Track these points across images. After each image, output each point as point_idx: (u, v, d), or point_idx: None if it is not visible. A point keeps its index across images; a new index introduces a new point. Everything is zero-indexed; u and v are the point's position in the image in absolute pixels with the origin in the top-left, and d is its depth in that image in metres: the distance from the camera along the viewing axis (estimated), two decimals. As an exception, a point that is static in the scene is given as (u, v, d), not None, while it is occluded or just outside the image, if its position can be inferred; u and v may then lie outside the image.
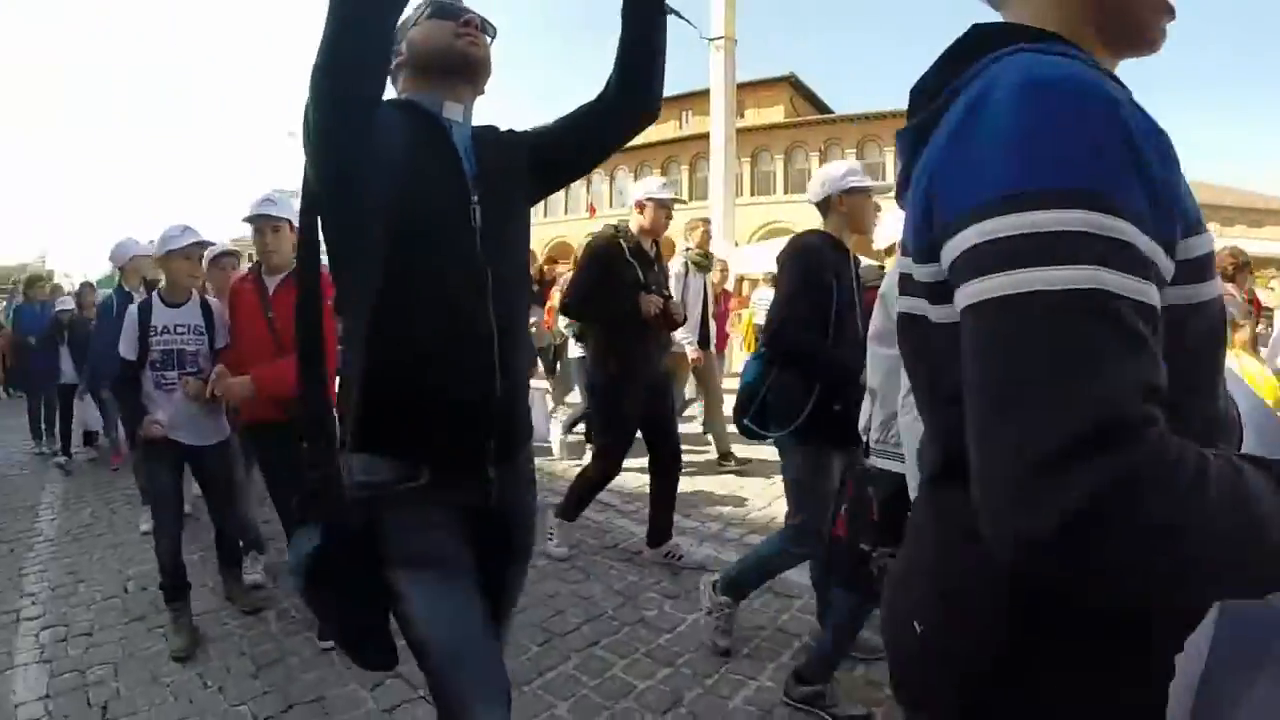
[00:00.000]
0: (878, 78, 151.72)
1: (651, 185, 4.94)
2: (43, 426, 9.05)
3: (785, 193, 33.65)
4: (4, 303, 17.27)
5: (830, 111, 39.28)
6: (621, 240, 4.69)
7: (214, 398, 3.84)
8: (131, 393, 4.00)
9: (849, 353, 3.11)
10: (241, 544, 4.44)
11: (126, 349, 3.97)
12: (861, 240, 3.61)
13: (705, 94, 27.37)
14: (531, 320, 8.27)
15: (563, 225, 42.93)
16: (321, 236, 1.67)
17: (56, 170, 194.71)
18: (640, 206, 4.83)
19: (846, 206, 3.48)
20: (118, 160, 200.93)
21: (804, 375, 3.23)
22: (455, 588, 1.67)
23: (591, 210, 39.85)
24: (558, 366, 9.35)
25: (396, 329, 1.61)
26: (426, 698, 3.17)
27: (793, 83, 38.54)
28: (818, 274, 3.23)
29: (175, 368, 3.96)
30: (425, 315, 1.63)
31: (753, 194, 33.21)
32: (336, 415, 1.67)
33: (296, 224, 2.74)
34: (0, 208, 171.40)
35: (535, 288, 9.28)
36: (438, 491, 1.65)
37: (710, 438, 7.53)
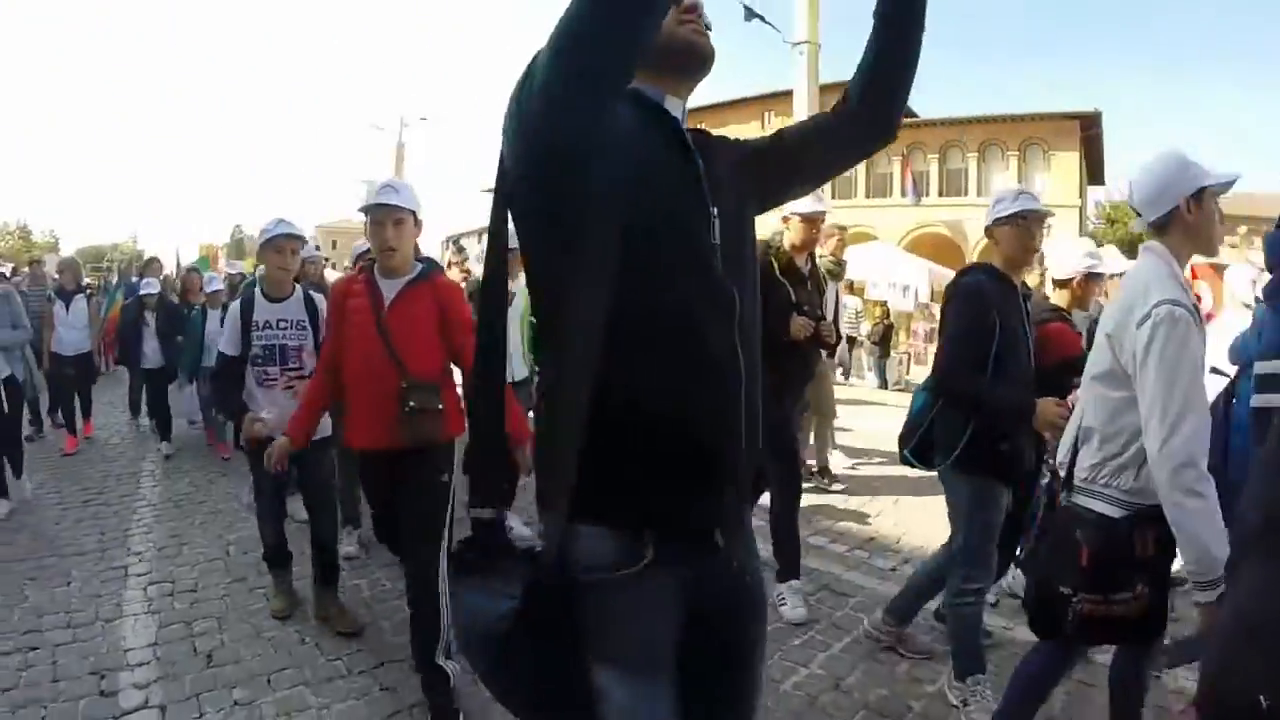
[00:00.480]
0: (961, 81, 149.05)
1: (807, 201, 4.44)
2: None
3: (867, 197, 33.35)
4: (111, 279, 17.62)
5: (913, 114, 38.85)
6: (772, 257, 4.35)
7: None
8: (234, 389, 3.98)
9: (1015, 391, 3.10)
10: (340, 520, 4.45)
11: (228, 344, 3.98)
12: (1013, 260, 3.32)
13: (787, 95, 27.21)
14: None
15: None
16: (519, 244, 1.44)
17: (146, 150, 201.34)
18: (786, 220, 4.49)
19: (1000, 237, 3.33)
20: (205, 141, 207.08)
21: (966, 411, 3.20)
22: (666, 695, 1.38)
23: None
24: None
25: (629, 362, 1.29)
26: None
27: (876, 85, 37.99)
28: (981, 316, 3.11)
29: (277, 363, 3.93)
30: (665, 345, 1.35)
31: (834, 197, 32.95)
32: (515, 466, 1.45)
33: (420, 217, 3.29)
34: (92, 187, 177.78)
35: None
36: (660, 567, 1.35)
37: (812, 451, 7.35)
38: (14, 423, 5.98)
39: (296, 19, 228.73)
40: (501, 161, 1.39)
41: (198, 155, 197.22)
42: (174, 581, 4.48)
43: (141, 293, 8.44)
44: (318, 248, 7.86)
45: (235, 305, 4.12)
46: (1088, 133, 28.19)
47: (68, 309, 8.05)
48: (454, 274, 6.12)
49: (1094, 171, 31.88)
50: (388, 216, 3.14)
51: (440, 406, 3.13)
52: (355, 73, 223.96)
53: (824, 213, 4.54)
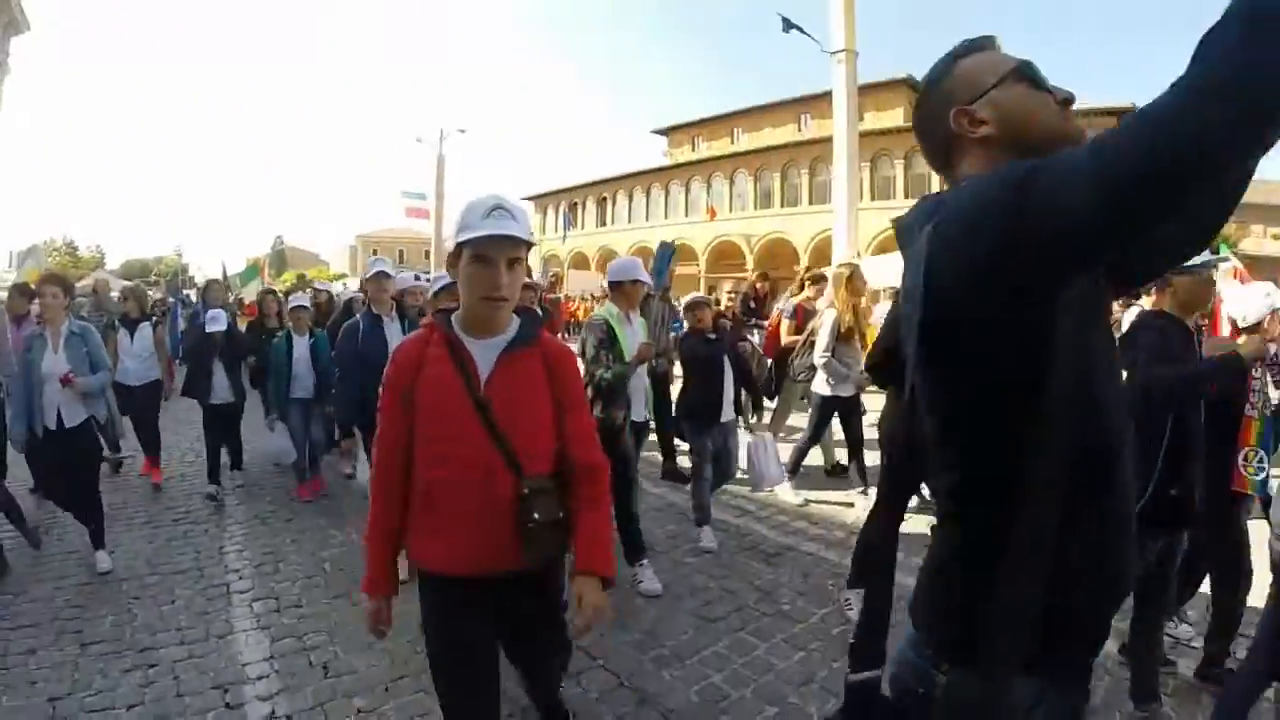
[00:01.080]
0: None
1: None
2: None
3: (906, 197, 33.32)
4: (155, 293, 17.27)
5: (951, 110, 38.62)
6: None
7: None
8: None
9: (1209, 361, 3.21)
10: None
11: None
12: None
13: (823, 97, 27.40)
14: (750, 339, 8.54)
15: (684, 228, 43.56)
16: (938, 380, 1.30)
17: (189, 163, 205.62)
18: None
19: (1179, 286, 3.29)
20: (245, 153, 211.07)
21: (1144, 460, 3.13)
22: None
23: (711, 213, 40.28)
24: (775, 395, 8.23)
25: (1075, 508, 1.19)
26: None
27: (911, 85, 37.71)
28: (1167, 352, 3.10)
29: None
30: (1102, 488, 1.25)
31: (873, 198, 32.93)
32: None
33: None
34: (136, 201, 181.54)
35: (752, 304, 9.26)
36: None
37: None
38: (91, 483, 5.43)
39: (335, 36, 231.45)
40: (930, 284, 1.22)
41: (238, 167, 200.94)
42: (278, 598, 4.69)
43: (209, 330, 7.26)
44: (417, 277, 7.75)
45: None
46: (1129, 127, 27.87)
47: (132, 338, 7.60)
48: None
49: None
50: (502, 253, 2.11)
51: (562, 514, 2.22)
52: (392, 85, 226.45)
53: None
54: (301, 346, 7.10)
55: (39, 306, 5.40)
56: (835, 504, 6.73)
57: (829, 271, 8.37)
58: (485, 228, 2.10)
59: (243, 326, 9.22)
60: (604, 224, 50.19)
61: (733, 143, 45.20)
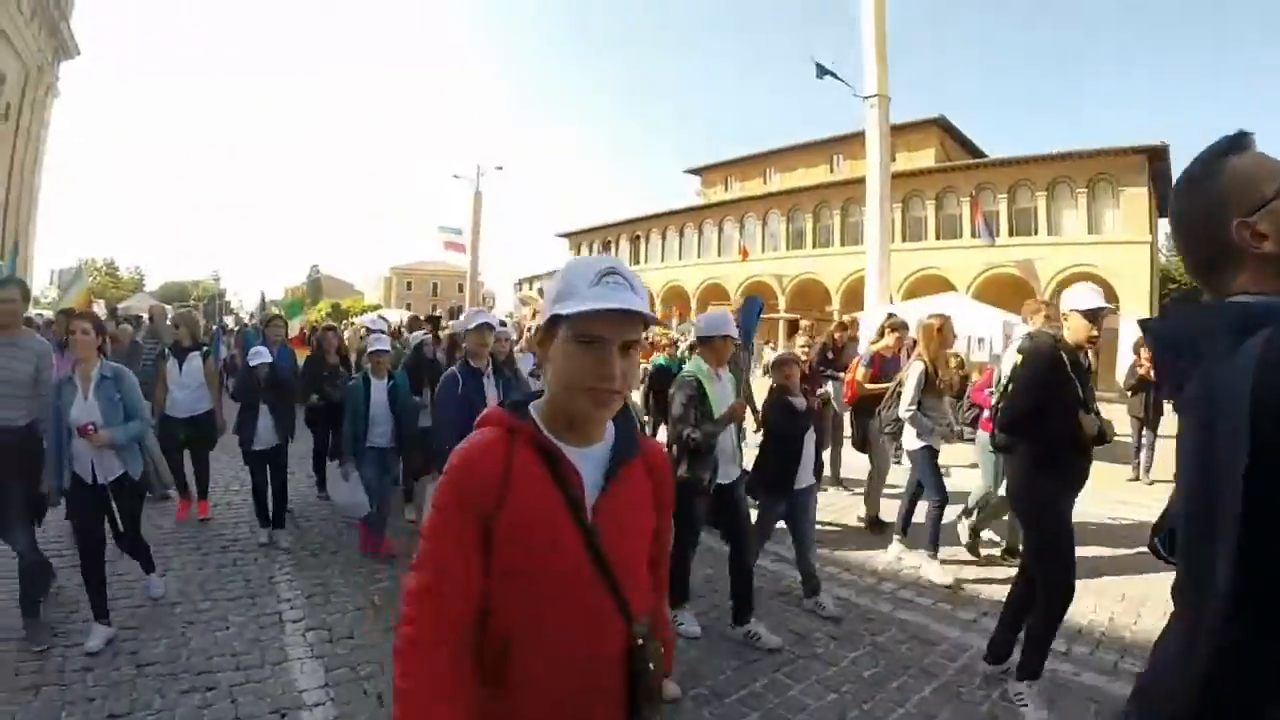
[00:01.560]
0: (1030, 117, 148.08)
1: (1080, 294, 4.25)
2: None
3: (937, 238, 33.47)
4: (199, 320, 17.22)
5: (980, 153, 38.83)
6: (1062, 353, 4.12)
7: None
8: None
9: None
10: None
11: None
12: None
13: (856, 137, 27.55)
14: (826, 390, 8.56)
15: (715, 267, 43.90)
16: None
17: (230, 189, 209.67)
18: (1066, 316, 4.29)
19: None
20: (284, 182, 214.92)
21: None
22: None
23: (744, 253, 40.47)
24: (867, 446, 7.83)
25: None
26: None
27: (942, 125, 38.29)
28: None
29: None
30: None
31: (904, 239, 32.99)
32: None
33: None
34: (176, 224, 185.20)
35: (830, 355, 8.97)
36: None
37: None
38: (132, 536, 5.16)
39: (380, 74, 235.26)
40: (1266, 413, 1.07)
41: (277, 195, 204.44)
42: (330, 629, 4.83)
43: (253, 364, 6.82)
44: (503, 322, 7.41)
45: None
46: (1156, 167, 28.05)
47: (181, 368, 7.35)
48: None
49: (1164, 204, 31.55)
50: (619, 333, 1.54)
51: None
52: (430, 120, 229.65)
53: (1108, 309, 4.28)
54: (380, 391, 6.65)
55: (70, 345, 4.83)
56: (867, 549, 6.81)
57: (907, 317, 8.44)
58: (594, 299, 1.52)
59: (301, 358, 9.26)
60: (638, 262, 50.52)
61: (765, 183, 45.50)
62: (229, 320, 22.18)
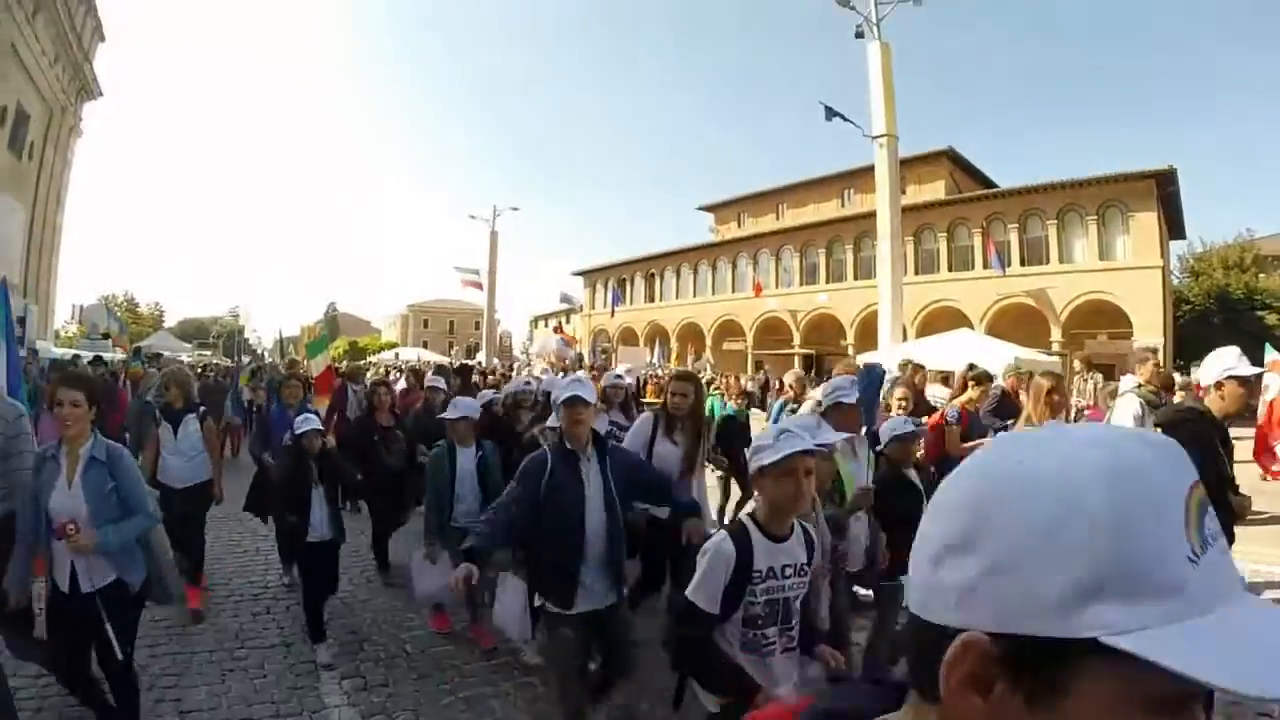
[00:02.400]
0: (1039, 144, 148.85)
1: (1233, 358, 4.05)
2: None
3: (949, 270, 33.64)
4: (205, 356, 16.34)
5: (990, 181, 39.03)
6: (1210, 423, 4.02)
7: None
8: (715, 655, 2.79)
9: None
10: None
11: (707, 600, 2.74)
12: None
13: (866, 172, 27.85)
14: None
15: (730, 304, 44.10)
16: None
17: (248, 225, 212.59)
18: (1220, 386, 4.12)
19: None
20: (302, 220, 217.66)
21: None
22: None
23: (758, 289, 40.65)
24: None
25: None
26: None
27: (951, 156, 38.46)
28: None
29: (777, 623, 2.86)
30: None
31: (917, 272, 33.14)
32: None
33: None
34: (195, 260, 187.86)
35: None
36: None
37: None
38: (123, 660, 3.82)
39: (396, 113, 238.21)
40: None
41: (295, 232, 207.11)
42: (364, 677, 5.01)
43: (299, 431, 5.63)
44: (618, 375, 7.21)
45: (727, 547, 2.74)
46: (1164, 190, 28.26)
47: (176, 432, 6.45)
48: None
49: (1173, 227, 31.73)
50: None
51: None
52: (443, 160, 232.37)
53: (1257, 375, 4.13)
54: (467, 461, 5.77)
55: (55, 416, 3.77)
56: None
57: (924, 355, 8.41)
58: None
59: (319, 407, 8.73)
60: (653, 300, 50.84)
61: (778, 219, 45.76)
62: (245, 358, 22.32)
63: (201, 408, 6.89)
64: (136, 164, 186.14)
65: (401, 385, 12.66)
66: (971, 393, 7.35)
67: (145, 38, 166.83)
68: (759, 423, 10.21)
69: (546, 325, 63.02)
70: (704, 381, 13.08)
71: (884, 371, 6.40)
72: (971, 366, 8.05)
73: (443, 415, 6.27)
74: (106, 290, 71.84)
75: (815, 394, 6.01)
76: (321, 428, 5.93)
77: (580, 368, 20.00)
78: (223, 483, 6.76)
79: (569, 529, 3.65)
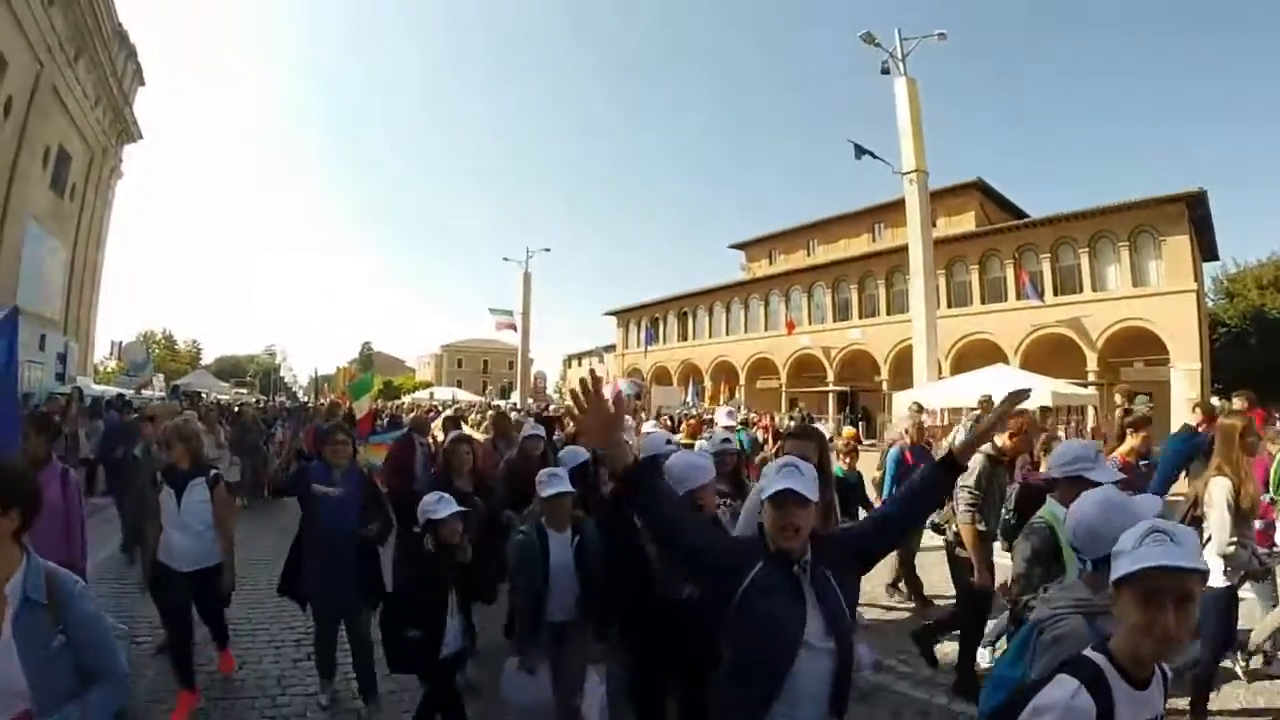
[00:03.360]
0: (1069, 171, 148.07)
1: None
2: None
3: (982, 302, 33.46)
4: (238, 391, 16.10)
5: (1020, 211, 38.96)
6: None
7: None
8: None
9: None
10: None
11: None
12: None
13: (896, 206, 27.89)
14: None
15: (763, 341, 44.21)
16: None
17: (284, 263, 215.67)
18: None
19: None
20: (338, 260, 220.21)
21: None
22: None
23: (790, 327, 40.62)
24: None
25: None
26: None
27: (981, 188, 38.45)
28: None
29: None
30: None
31: (950, 305, 32.97)
32: None
33: None
34: (231, 299, 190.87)
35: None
36: None
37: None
38: None
39: (433, 159, 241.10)
40: None
41: (331, 271, 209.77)
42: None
43: (435, 517, 4.37)
44: (726, 439, 5.61)
45: (1082, 704, 1.89)
46: (1195, 212, 28.04)
47: (180, 500, 5.12)
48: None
49: (1205, 248, 31.47)
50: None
51: None
52: (478, 200, 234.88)
53: None
54: (561, 551, 4.49)
55: None
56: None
57: (956, 390, 8.52)
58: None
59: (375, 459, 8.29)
60: (685, 338, 50.99)
61: (809, 255, 45.89)
62: (282, 397, 22.45)
63: (214, 471, 5.49)
64: (174, 203, 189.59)
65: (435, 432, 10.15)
66: (1132, 440, 6.48)
67: (184, 82, 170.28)
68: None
69: (580, 365, 63.22)
70: (740, 420, 12.88)
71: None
72: (1128, 411, 7.65)
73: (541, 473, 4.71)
74: (145, 327, 73.03)
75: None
76: (464, 508, 4.55)
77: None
78: (234, 565, 5.53)
79: (777, 662, 2.48)
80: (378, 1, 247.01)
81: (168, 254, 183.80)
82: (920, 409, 8.24)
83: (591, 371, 4.54)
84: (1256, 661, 5.85)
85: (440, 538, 4.33)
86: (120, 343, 44.77)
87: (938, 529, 6.10)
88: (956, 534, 5.76)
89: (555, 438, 9.08)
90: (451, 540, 4.35)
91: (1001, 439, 5.71)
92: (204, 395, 32.61)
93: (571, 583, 4.44)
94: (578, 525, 4.62)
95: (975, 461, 5.25)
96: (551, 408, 27.62)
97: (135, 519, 5.94)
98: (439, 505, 4.36)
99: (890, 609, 7.87)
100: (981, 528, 5.55)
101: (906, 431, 8.88)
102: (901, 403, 16.62)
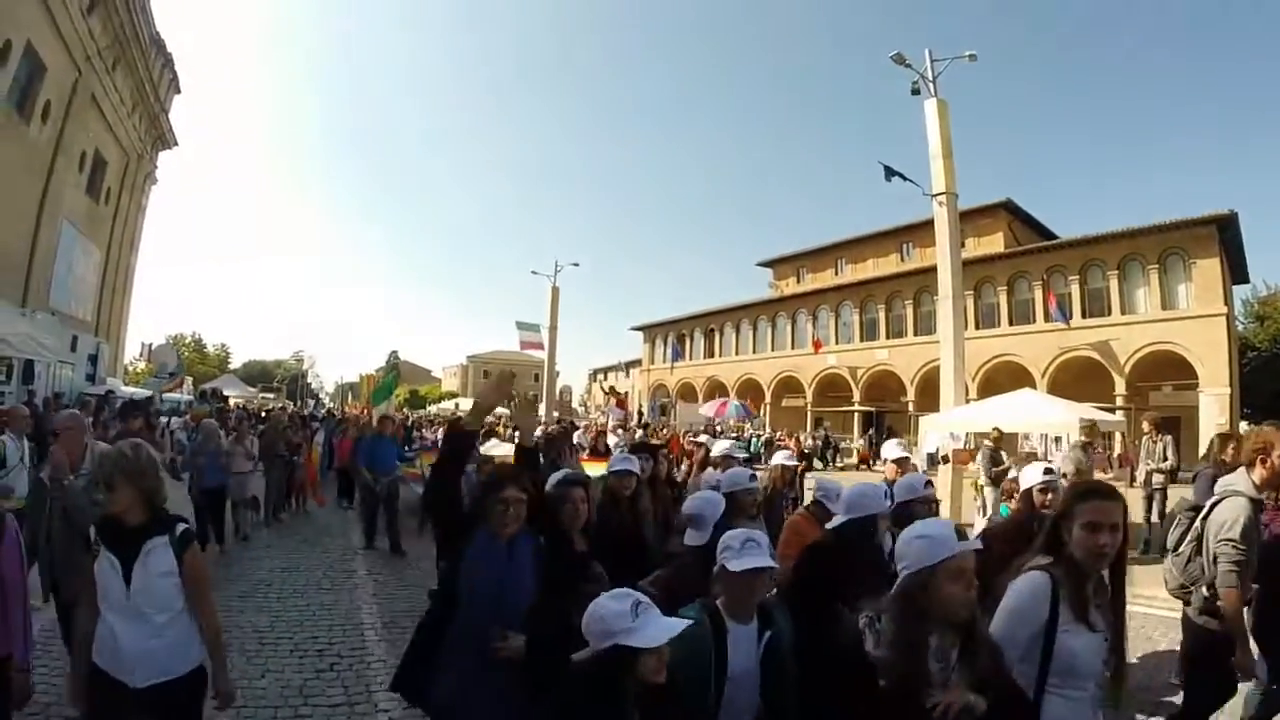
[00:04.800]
0: (1098, 192, 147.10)
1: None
2: None
3: (1010, 324, 33.25)
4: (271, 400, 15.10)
5: (1048, 232, 38.76)
6: None
7: None
8: None
9: None
10: None
11: None
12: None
13: (924, 226, 27.74)
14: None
15: (789, 359, 44.08)
16: None
17: (312, 269, 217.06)
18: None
19: None
20: (364, 268, 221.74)
21: None
22: None
23: (817, 346, 40.50)
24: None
25: None
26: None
27: (1009, 208, 38.33)
28: None
29: None
30: None
31: (978, 327, 32.76)
32: None
33: None
34: (260, 307, 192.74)
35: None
36: None
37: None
38: None
39: (466, 172, 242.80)
40: None
41: (358, 277, 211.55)
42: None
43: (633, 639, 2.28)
44: (753, 476, 4.79)
45: None
46: (1225, 235, 27.76)
47: (127, 574, 3.05)
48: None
49: (1236, 271, 31.21)
50: None
51: None
52: (507, 215, 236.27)
53: None
54: (745, 643, 2.87)
55: None
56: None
57: (984, 415, 7.95)
58: None
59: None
60: (712, 355, 50.97)
61: (837, 274, 45.85)
62: (311, 403, 22.06)
63: (184, 526, 3.30)
64: (207, 208, 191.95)
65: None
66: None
67: (218, 91, 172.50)
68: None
69: (606, 379, 63.16)
70: (765, 440, 12.74)
71: None
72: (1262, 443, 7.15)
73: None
74: (174, 330, 73.55)
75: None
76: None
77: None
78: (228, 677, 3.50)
79: None
80: (430, 20, 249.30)
81: (198, 257, 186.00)
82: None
83: (613, 388, 4.37)
84: None
85: (624, 659, 2.29)
86: (150, 345, 45.19)
87: (1182, 591, 4.57)
88: (1207, 598, 4.30)
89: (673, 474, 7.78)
90: (658, 678, 2.33)
91: (1258, 471, 4.28)
92: (229, 401, 32.85)
93: (754, 692, 2.86)
94: (770, 612, 2.98)
95: (1238, 508, 4.13)
96: (586, 423, 25.11)
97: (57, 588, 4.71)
98: (644, 620, 2.32)
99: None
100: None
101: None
102: (928, 425, 16.48)
